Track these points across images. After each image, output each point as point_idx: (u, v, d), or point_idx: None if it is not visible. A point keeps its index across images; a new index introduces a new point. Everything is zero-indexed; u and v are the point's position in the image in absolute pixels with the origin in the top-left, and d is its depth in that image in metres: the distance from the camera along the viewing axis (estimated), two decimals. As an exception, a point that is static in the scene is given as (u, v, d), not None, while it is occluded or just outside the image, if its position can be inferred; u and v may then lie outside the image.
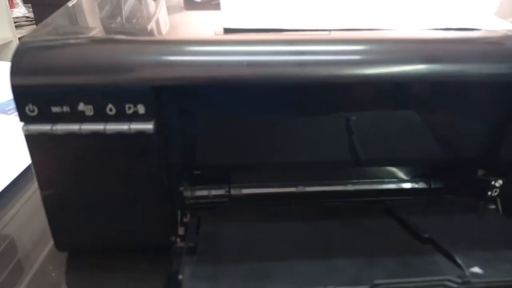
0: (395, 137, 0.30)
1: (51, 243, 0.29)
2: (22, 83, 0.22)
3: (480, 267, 0.22)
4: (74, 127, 0.23)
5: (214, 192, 0.32)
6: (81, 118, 0.23)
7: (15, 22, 1.77)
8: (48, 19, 0.28)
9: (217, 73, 0.23)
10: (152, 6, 0.34)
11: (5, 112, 0.53)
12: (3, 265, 0.28)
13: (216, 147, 0.29)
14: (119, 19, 0.31)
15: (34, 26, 1.81)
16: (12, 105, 0.55)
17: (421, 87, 0.28)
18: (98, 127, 0.23)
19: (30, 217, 0.33)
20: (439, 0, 0.35)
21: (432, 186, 0.33)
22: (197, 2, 0.37)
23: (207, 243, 0.25)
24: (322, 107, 0.28)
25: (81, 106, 0.22)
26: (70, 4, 0.33)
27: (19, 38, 1.76)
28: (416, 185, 0.34)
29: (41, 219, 0.32)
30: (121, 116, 0.23)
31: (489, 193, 0.30)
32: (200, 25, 0.30)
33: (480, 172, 0.31)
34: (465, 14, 0.31)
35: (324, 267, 0.22)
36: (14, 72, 0.22)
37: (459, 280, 0.21)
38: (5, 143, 0.45)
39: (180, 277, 0.21)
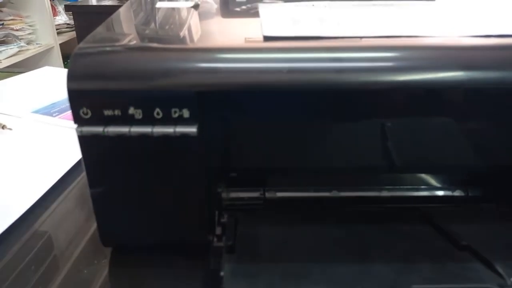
0: (431, 144, 0.30)
1: (85, 240, 0.31)
2: (77, 88, 0.24)
3: (522, 276, 0.22)
4: (124, 129, 0.24)
5: (249, 195, 0.33)
6: (131, 121, 0.24)
7: (57, 29, 1.86)
8: (100, 28, 0.30)
9: (258, 79, 0.24)
10: (193, 15, 0.36)
11: (50, 114, 0.56)
12: (40, 261, 0.29)
13: (252, 151, 0.30)
14: (166, 28, 0.33)
15: (74, 32, 1.90)
16: (57, 108, 0.59)
17: (459, 94, 0.28)
18: (146, 129, 0.24)
19: (67, 215, 0.35)
20: (482, 7, 0.35)
21: (470, 194, 0.33)
22: (235, 10, 0.38)
23: (244, 243, 0.26)
24: (358, 113, 0.28)
25: (131, 110, 0.24)
26: (118, 13, 0.35)
27: (60, 44, 1.86)
28: (453, 193, 0.33)
29: (77, 217, 0.34)
30: (167, 120, 0.24)
31: (530, 202, 0.30)
32: (240, 32, 0.32)
33: (521, 181, 0.30)
34: (507, 21, 0.31)
35: (360, 270, 0.23)
36: (70, 77, 0.24)
37: (499, 289, 0.21)
38: (50, 144, 0.47)
39: (222, 273, 0.22)
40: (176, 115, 0.24)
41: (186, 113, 0.24)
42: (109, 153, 0.25)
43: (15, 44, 1.63)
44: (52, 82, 0.70)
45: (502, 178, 0.32)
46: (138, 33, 0.31)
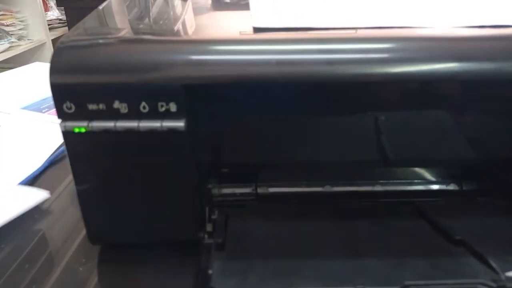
0: (425, 137, 0.29)
1: (79, 239, 0.31)
2: (60, 82, 0.23)
3: (516, 271, 0.21)
4: (109, 124, 0.23)
5: (241, 190, 0.32)
6: (116, 115, 0.23)
7: (48, 25, 1.84)
8: (84, 20, 0.29)
9: (247, 71, 0.23)
10: (183, 7, 0.35)
11: (40, 111, 0.56)
12: (35, 259, 0.29)
13: (243, 145, 0.29)
14: (152, 20, 0.32)
15: (66, 28, 1.87)
16: (47, 104, 0.58)
17: (452, 86, 0.27)
18: (132, 124, 0.23)
19: (61, 212, 0.34)
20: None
21: (464, 188, 0.33)
22: (226, 3, 0.37)
23: (235, 239, 0.25)
24: (350, 106, 0.28)
25: (116, 104, 0.23)
26: (103, 6, 0.34)
27: (52, 40, 1.83)
28: (447, 187, 0.33)
29: (71, 215, 0.34)
30: (153, 114, 0.23)
31: (525, 195, 0.29)
32: (230, 24, 0.31)
33: (516, 174, 0.30)
34: (502, 10, 0.30)
35: (352, 266, 0.22)
36: (52, 71, 0.23)
37: (493, 284, 0.21)
38: (39, 141, 0.47)
39: (210, 272, 0.21)
40: (163, 109, 0.23)
41: (173, 107, 0.23)
42: (95, 148, 0.24)
43: (5, 39, 1.61)
44: (42, 78, 0.69)
45: (497, 172, 0.31)
46: (123, 25, 0.30)
